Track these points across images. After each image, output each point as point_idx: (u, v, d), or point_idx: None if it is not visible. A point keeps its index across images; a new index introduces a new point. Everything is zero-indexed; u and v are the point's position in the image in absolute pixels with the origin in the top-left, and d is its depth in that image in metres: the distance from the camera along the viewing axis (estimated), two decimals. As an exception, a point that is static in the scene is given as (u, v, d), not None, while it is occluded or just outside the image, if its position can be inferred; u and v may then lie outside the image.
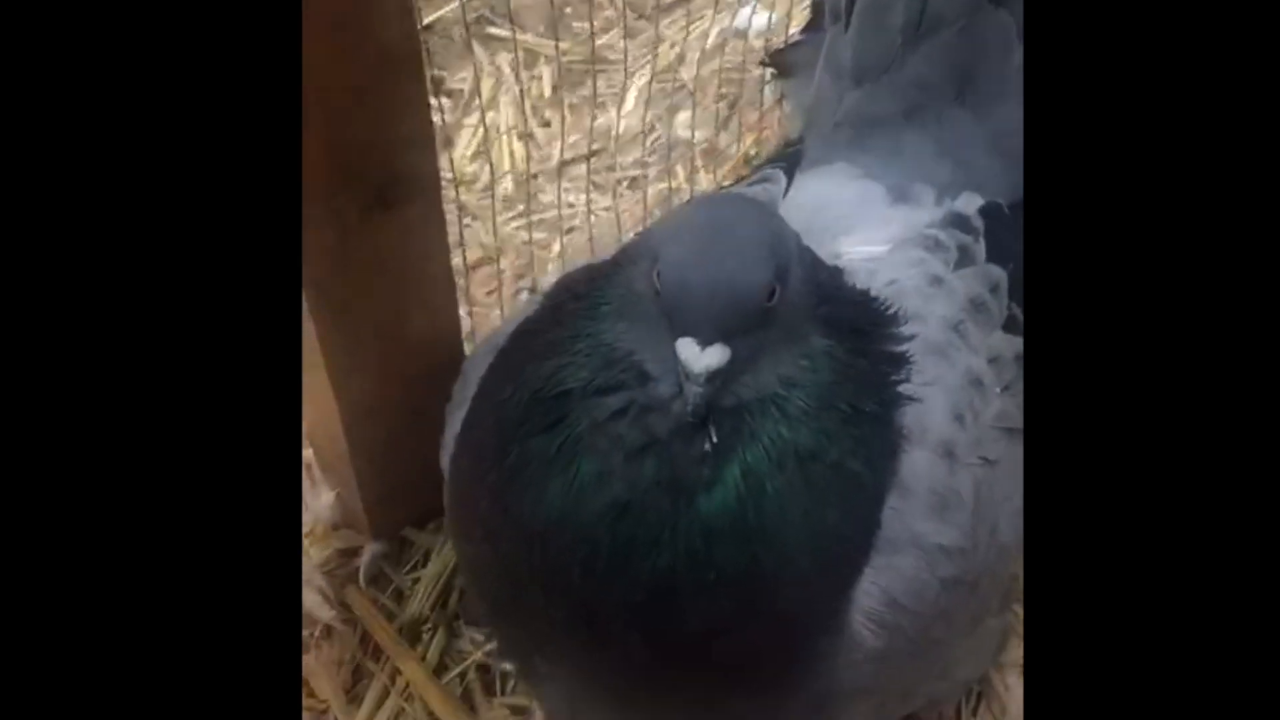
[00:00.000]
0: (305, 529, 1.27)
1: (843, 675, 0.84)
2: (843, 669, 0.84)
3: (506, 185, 1.60)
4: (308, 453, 1.26)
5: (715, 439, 0.78)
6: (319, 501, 1.28)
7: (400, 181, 1.00)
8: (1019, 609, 1.12)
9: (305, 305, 1.03)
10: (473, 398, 0.92)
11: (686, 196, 1.59)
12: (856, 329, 0.86)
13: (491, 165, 1.61)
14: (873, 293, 0.93)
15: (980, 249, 1.02)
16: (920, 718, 1.10)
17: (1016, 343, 0.99)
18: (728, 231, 0.79)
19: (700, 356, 0.76)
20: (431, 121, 1.01)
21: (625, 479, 0.78)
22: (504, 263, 1.46)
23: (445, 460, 0.96)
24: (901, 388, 0.87)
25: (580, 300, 0.85)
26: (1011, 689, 1.17)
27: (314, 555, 1.27)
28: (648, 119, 1.62)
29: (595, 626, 0.82)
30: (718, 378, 0.76)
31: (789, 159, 1.14)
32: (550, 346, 0.83)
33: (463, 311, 1.28)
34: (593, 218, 1.53)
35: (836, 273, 0.91)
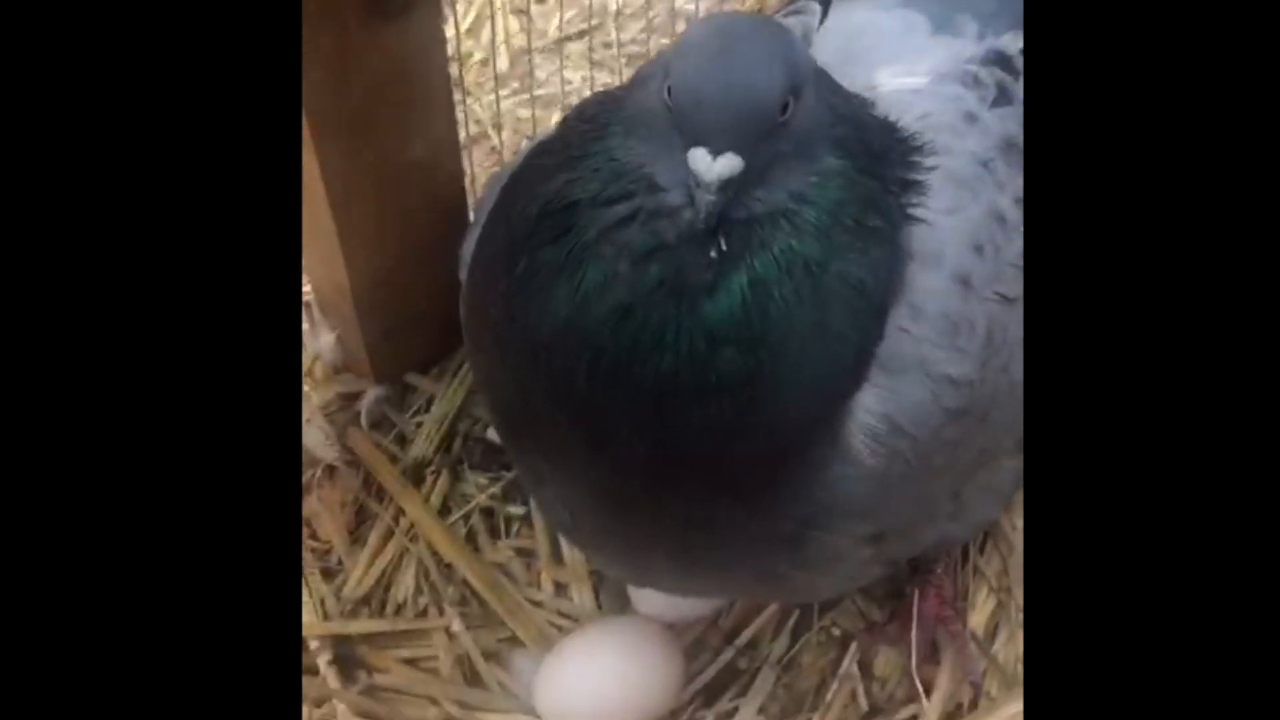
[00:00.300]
0: (305, 368, 1.26)
1: (837, 490, 0.85)
2: (837, 483, 0.85)
3: (502, 62, 1.57)
4: (307, 289, 1.24)
5: (725, 247, 0.78)
6: (319, 342, 1.27)
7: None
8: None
9: (305, 131, 1.00)
10: (488, 213, 0.92)
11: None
12: (872, 152, 0.85)
13: (494, 35, 1.58)
14: (901, 125, 0.91)
15: (1019, 90, 0.99)
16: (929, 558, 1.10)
17: None
18: (741, 43, 0.78)
19: (712, 165, 0.75)
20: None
21: (630, 283, 0.78)
22: (503, 136, 1.44)
23: (463, 275, 0.97)
24: (911, 210, 0.86)
25: (591, 123, 0.84)
26: (1019, 530, 1.16)
27: (315, 398, 1.25)
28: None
29: (598, 429, 0.82)
30: (730, 187, 0.76)
31: None
32: (561, 165, 0.83)
33: (466, 183, 1.28)
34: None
35: (861, 101, 0.90)
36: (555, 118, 1.47)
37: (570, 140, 0.85)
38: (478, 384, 1.08)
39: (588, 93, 1.43)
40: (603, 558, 1.03)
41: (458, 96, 1.18)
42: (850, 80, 0.93)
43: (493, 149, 1.44)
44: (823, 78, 0.85)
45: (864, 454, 0.84)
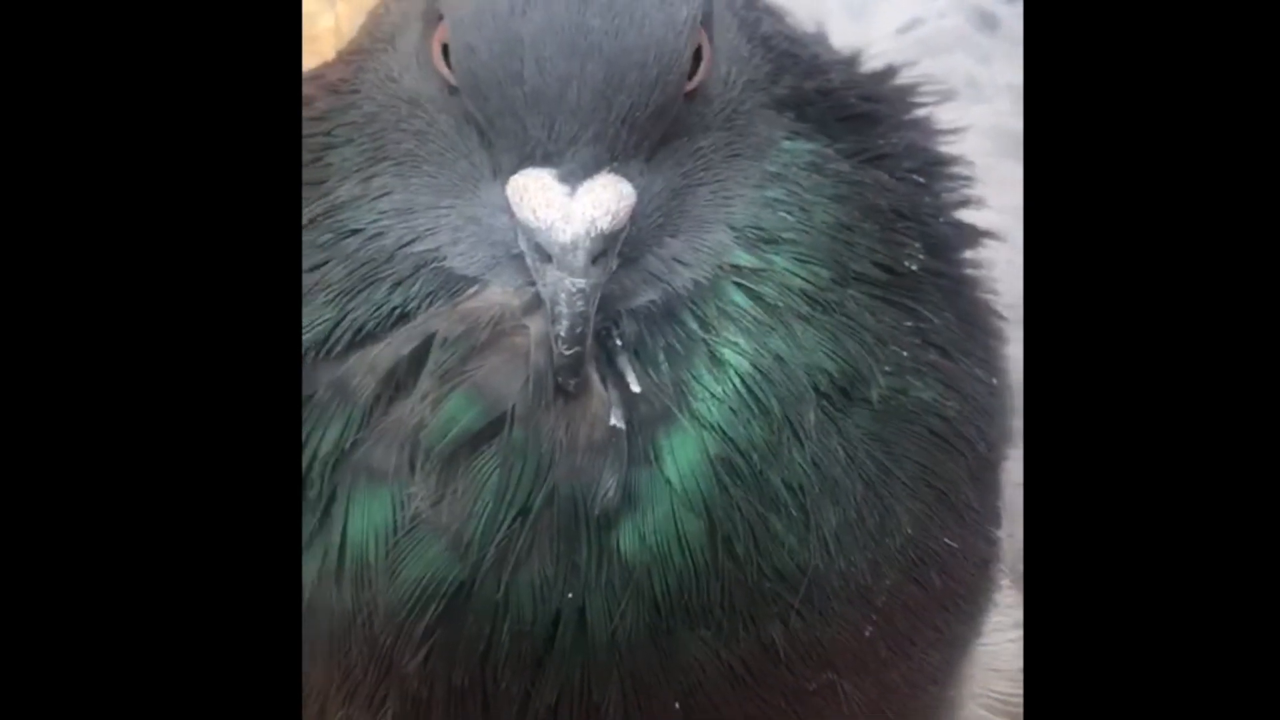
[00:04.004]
0: None
1: None
2: None
3: None
4: None
5: (636, 386, 0.44)
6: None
7: None
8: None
9: None
10: None
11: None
12: (852, 115, 0.55)
13: None
14: (871, 49, 0.62)
15: None
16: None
17: None
18: None
19: (570, 206, 0.42)
20: None
21: (447, 528, 0.44)
22: None
23: None
24: (966, 213, 0.55)
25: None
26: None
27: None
28: None
29: None
30: (614, 247, 0.43)
31: None
32: None
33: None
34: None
35: (787, 22, 0.59)
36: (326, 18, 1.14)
37: None
38: None
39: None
40: None
41: None
42: None
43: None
44: None
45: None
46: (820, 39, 0.60)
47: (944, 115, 0.58)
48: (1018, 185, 0.58)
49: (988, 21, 0.70)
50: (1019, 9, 0.71)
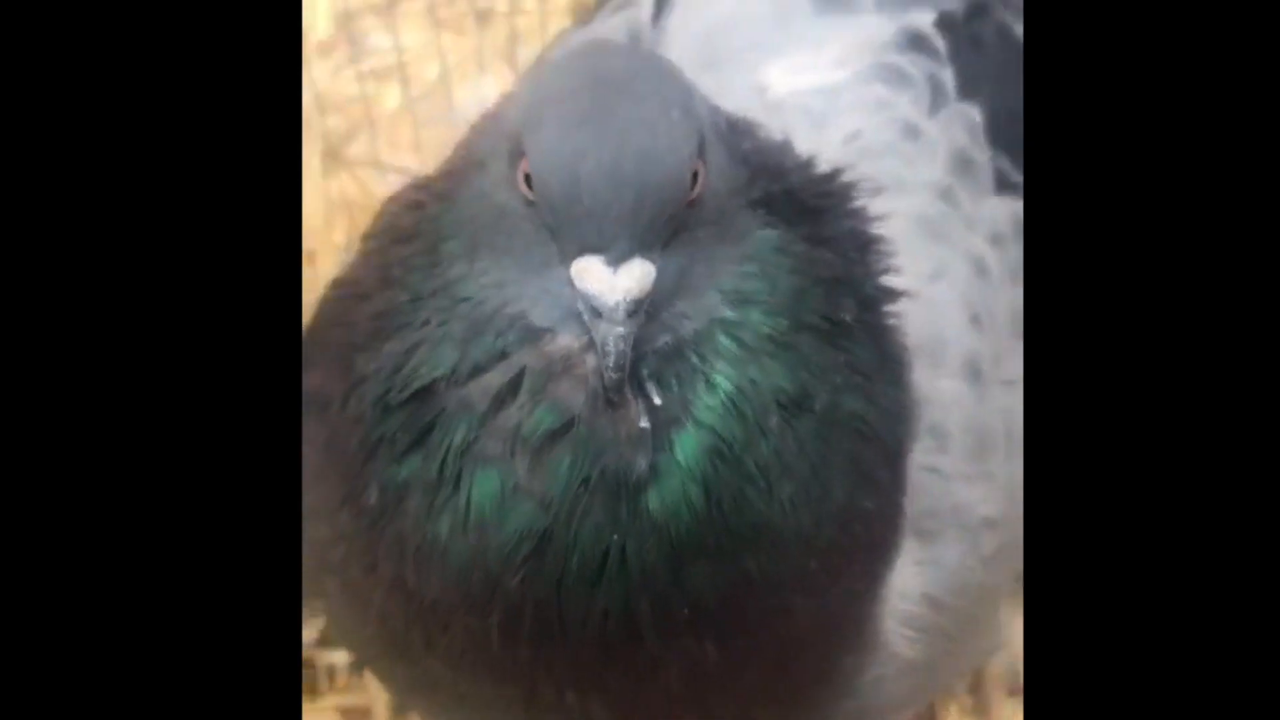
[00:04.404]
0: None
1: (875, 692, 0.71)
2: (874, 686, 0.70)
3: (321, 27, 1.37)
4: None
5: (658, 399, 0.60)
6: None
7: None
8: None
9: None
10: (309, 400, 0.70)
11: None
12: (807, 208, 0.68)
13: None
14: (824, 153, 0.74)
15: (949, 78, 0.85)
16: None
17: (1014, 207, 0.83)
18: (622, 94, 0.61)
19: (614, 280, 0.57)
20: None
21: (536, 494, 0.60)
22: (331, 122, 1.27)
23: None
24: (886, 279, 0.69)
25: (412, 243, 0.66)
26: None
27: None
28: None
29: (532, 694, 0.65)
30: (642, 307, 0.58)
31: None
32: (383, 322, 0.65)
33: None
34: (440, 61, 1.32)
35: (768, 137, 0.72)
36: (394, 94, 1.28)
37: (390, 275, 0.66)
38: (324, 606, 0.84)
39: (433, 63, 1.24)
40: None
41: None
42: (729, 88, 0.76)
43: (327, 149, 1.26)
44: (719, 114, 0.68)
45: (901, 646, 0.69)
46: (786, 146, 0.72)
47: (876, 206, 0.71)
48: (929, 258, 0.76)
49: (911, 133, 0.82)
50: (937, 123, 0.83)
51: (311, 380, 0.68)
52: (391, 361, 0.63)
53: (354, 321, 0.66)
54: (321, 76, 1.31)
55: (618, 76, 0.61)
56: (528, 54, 1.29)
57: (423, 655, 0.67)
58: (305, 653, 1.05)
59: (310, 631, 1.05)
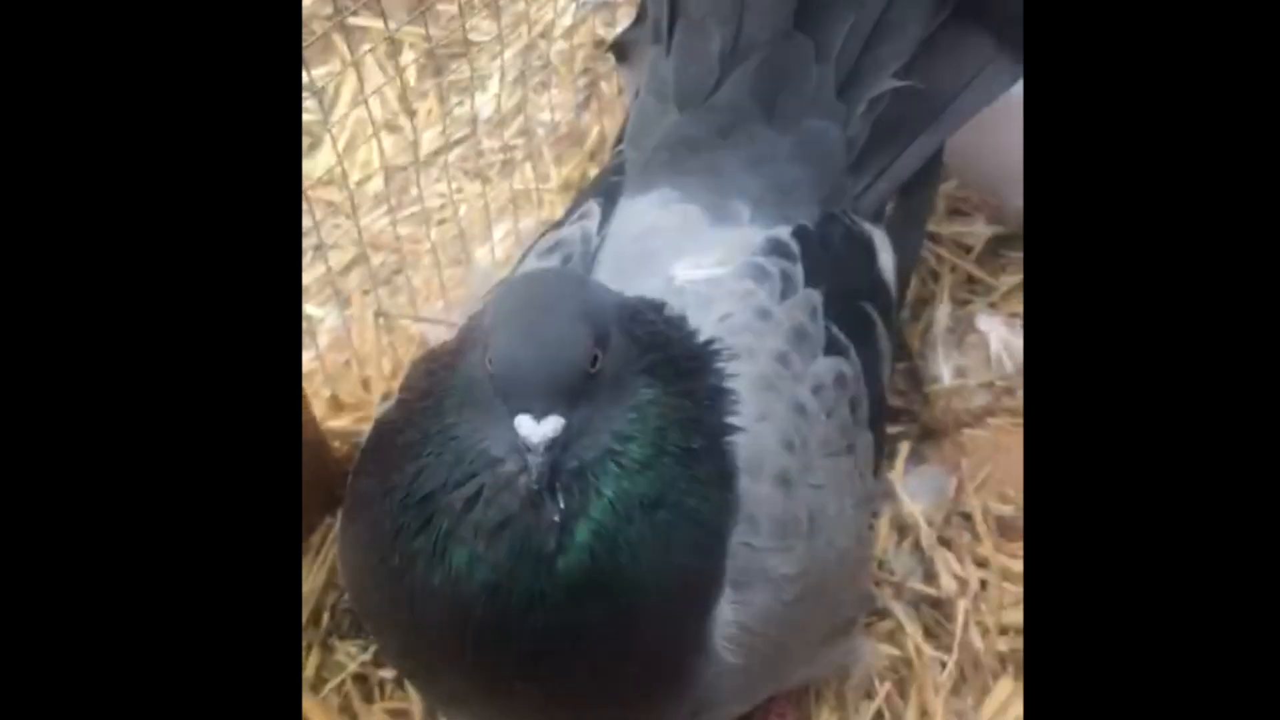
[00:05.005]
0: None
1: (712, 686, 0.93)
2: (711, 681, 0.93)
3: (378, 182, 1.58)
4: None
5: (563, 504, 0.83)
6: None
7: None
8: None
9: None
10: (348, 492, 0.99)
11: (552, 183, 1.64)
12: (682, 371, 0.91)
13: (342, 168, 1.51)
14: (704, 327, 0.98)
15: (799, 273, 1.09)
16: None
17: (836, 365, 1.07)
18: (546, 311, 0.85)
19: (537, 429, 0.81)
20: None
21: (490, 561, 0.84)
22: (375, 260, 1.50)
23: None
24: (728, 418, 0.92)
25: (427, 399, 0.91)
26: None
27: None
28: (512, 102, 1.64)
29: (493, 682, 0.90)
30: (556, 445, 0.82)
31: (607, 190, 1.19)
32: (407, 450, 0.89)
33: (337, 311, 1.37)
34: (462, 207, 1.53)
35: (663, 318, 0.94)
36: (432, 234, 1.50)
37: (413, 420, 0.91)
38: (370, 630, 1.16)
39: (456, 207, 1.48)
40: None
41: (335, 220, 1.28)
42: (650, 277, 1.02)
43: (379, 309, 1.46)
44: (624, 311, 0.90)
45: (727, 655, 0.92)
46: (680, 320, 0.94)
47: (731, 368, 0.94)
48: (760, 404, 0.98)
49: (764, 315, 1.04)
50: (784, 308, 1.05)
51: (364, 484, 0.93)
52: (409, 477, 0.87)
53: (389, 448, 0.90)
54: (371, 221, 1.52)
55: (543, 299, 0.86)
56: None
57: (429, 665, 0.93)
58: (363, 669, 1.23)
59: (367, 654, 1.24)
